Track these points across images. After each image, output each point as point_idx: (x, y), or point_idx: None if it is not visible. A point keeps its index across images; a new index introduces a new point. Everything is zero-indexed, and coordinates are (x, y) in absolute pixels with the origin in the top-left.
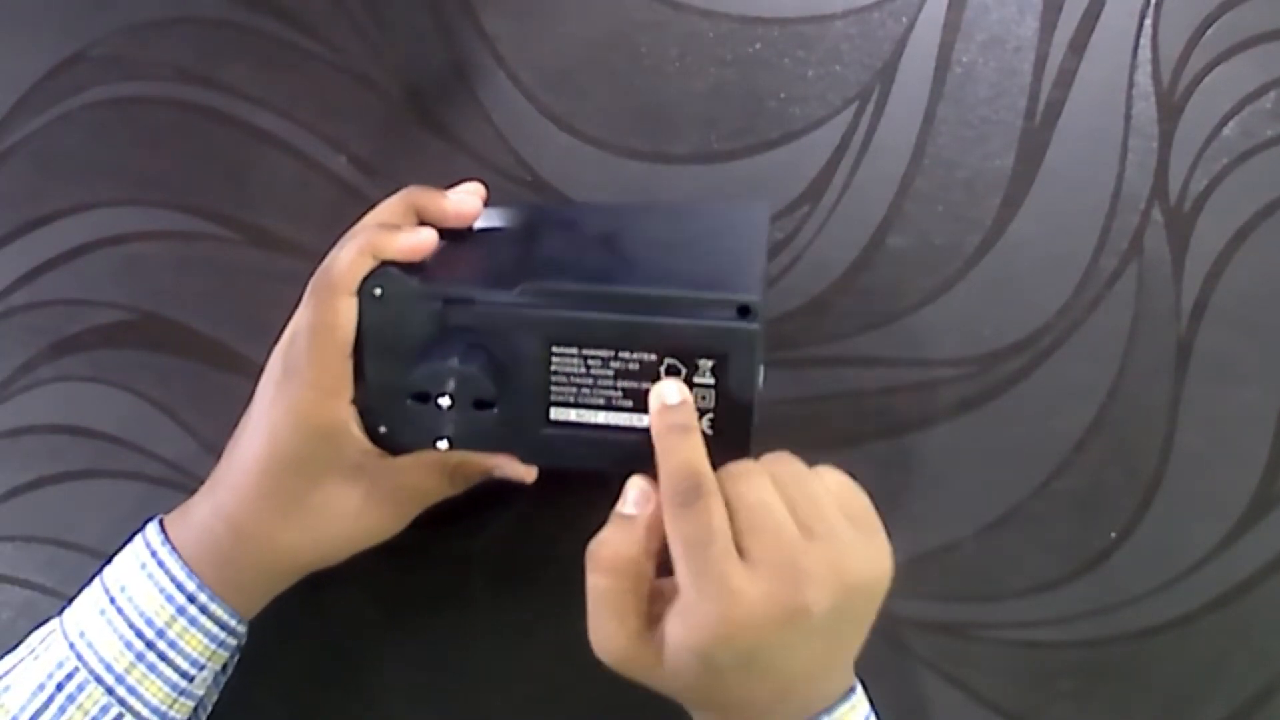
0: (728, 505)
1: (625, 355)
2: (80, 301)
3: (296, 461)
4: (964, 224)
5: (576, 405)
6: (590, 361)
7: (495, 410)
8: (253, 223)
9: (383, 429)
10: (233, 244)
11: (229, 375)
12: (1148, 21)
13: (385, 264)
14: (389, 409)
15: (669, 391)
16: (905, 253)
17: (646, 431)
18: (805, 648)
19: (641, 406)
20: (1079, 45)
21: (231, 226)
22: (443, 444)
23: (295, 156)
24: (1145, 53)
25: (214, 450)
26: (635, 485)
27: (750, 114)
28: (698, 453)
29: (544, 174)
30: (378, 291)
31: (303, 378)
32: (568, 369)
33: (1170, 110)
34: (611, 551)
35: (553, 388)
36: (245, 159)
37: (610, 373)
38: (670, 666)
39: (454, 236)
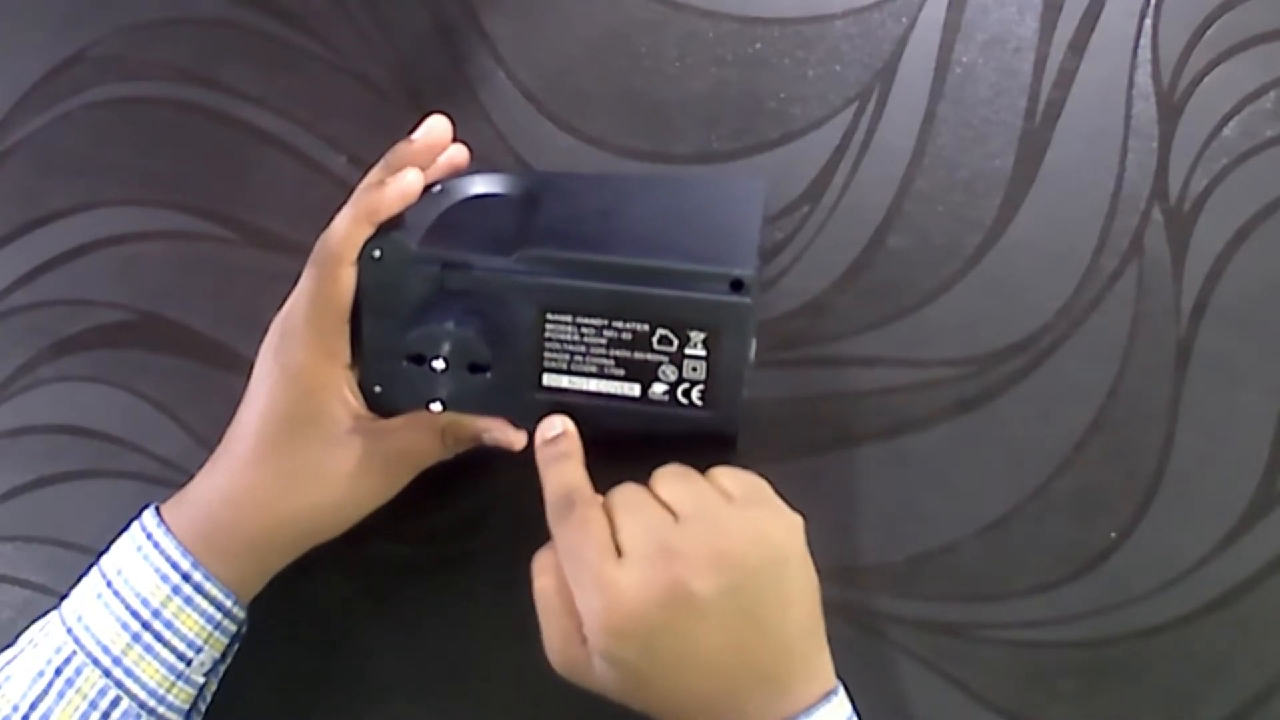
0: (607, 515)
1: (619, 325)
2: (80, 301)
3: (291, 422)
4: (964, 224)
5: (569, 372)
6: (584, 329)
7: (489, 374)
8: (253, 223)
9: (378, 389)
10: (233, 244)
11: (229, 375)
12: (1148, 21)
13: (384, 226)
14: (384, 370)
15: (551, 425)
16: (905, 253)
17: (637, 400)
18: (713, 632)
19: (633, 375)
20: (1079, 45)
21: (231, 226)
22: (436, 406)
23: (295, 156)
24: (1145, 53)
25: (214, 449)
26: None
27: (750, 114)
28: (576, 474)
29: None
30: (376, 254)
31: (299, 340)
32: (561, 336)
33: (1170, 110)
34: (543, 553)
35: (546, 354)
36: (245, 159)
37: (603, 341)
38: (596, 672)
39: (454, 203)
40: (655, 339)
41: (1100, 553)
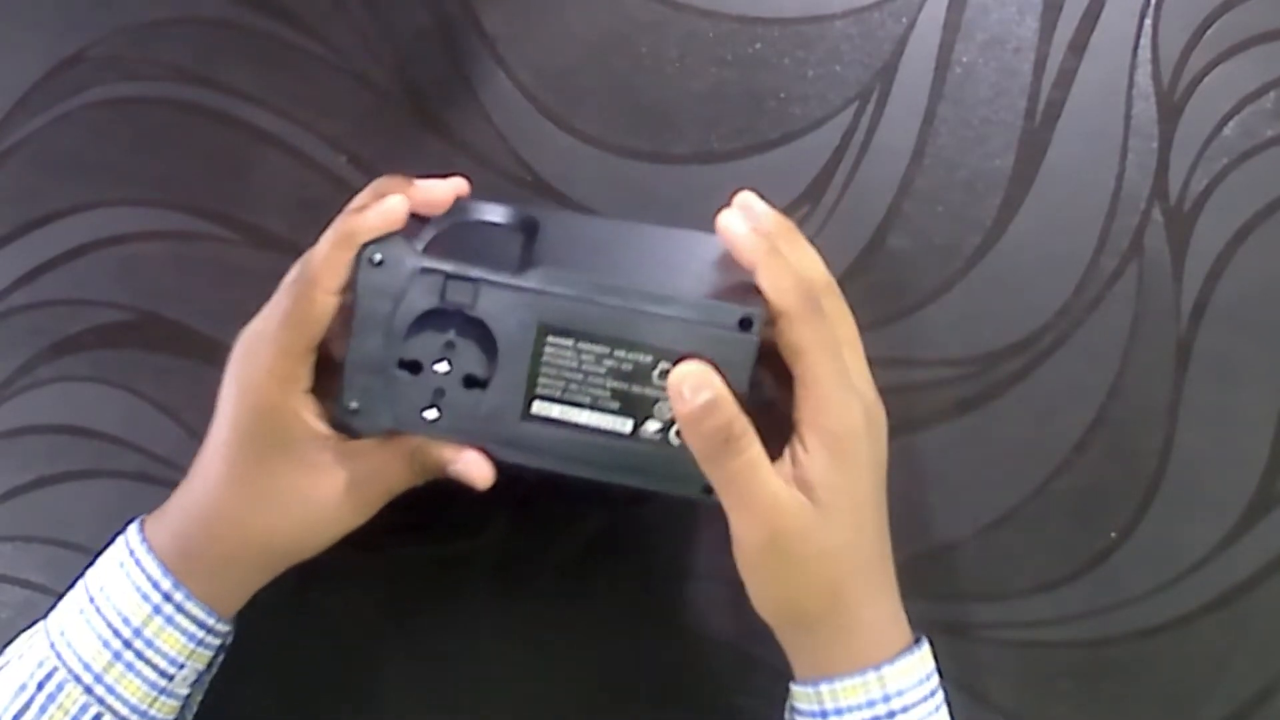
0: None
1: (621, 354)
2: (80, 301)
3: (252, 444)
4: (964, 224)
5: (561, 401)
6: (584, 356)
7: (484, 390)
8: (253, 223)
9: (354, 404)
10: (233, 244)
11: None
12: (1148, 21)
13: (368, 243)
14: (365, 384)
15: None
16: (905, 253)
17: (626, 438)
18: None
19: (628, 410)
20: (1079, 45)
21: (231, 226)
22: (431, 413)
23: (295, 156)
24: (1145, 53)
25: None
26: (685, 380)
27: (750, 114)
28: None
29: (544, 174)
30: (377, 257)
31: (260, 361)
32: (559, 361)
33: (1170, 110)
34: (726, 418)
35: (540, 379)
36: (245, 159)
37: (602, 370)
38: (824, 488)
39: (453, 224)
40: (656, 372)
41: (1100, 553)
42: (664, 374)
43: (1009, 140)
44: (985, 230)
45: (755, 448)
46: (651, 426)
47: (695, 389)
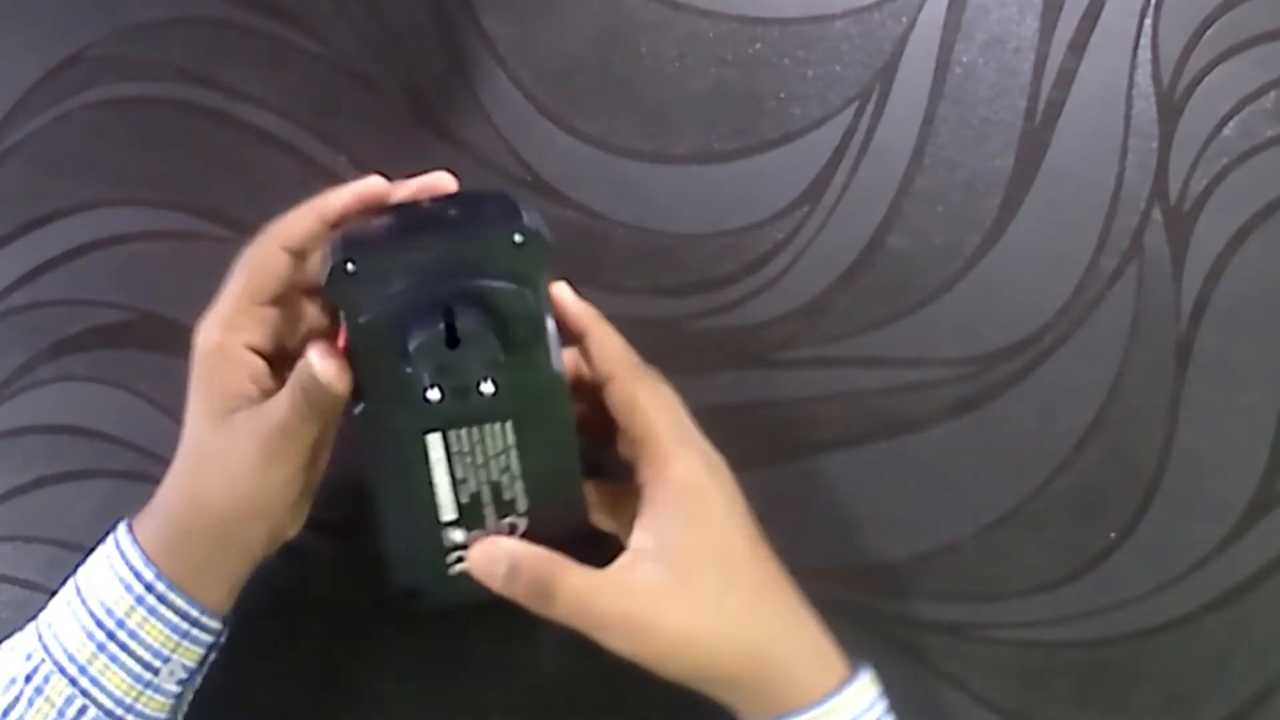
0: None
1: (510, 477)
2: (80, 301)
3: (195, 400)
4: (964, 224)
5: (446, 455)
6: (504, 454)
7: (436, 393)
8: (253, 223)
9: (351, 267)
10: (233, 244)
11: None
12: (1148, 21)
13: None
14: (378, 272)
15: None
16: (905, 253)
17: (437, 523)
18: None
19: (464, 508)
20: (1079, 45)
21: (231, 226)
22: (434, 393)
23: (295, 156)
24: (1145, 53)
25: None
26: (482, 559)
27: (750, 114)
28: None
29: (544, 174)
30: (532, 231)
31: (213, 312)
32: (486, 436)
33: (1170, 110)
34: (529, 576)
35: (460, 429)
36: (245, 159)
37: (491, 474)
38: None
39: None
40: (514, 516)
41: (1100, 553)
42: (519, 518)
43: (1009, 140)
44: (985, 230)
45: (569, 579)
46: (457, 536)
47: (493, 562)
